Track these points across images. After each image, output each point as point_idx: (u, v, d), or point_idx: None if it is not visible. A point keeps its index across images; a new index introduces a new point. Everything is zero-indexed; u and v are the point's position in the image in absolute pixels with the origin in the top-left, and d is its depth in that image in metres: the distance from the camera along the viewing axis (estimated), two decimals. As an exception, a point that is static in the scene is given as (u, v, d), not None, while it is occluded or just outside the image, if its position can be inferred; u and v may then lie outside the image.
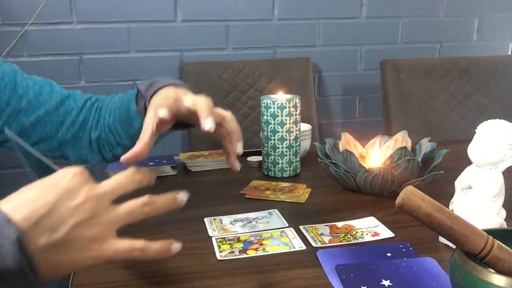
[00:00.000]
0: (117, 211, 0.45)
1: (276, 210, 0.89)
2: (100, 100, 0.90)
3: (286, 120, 1.05)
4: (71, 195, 0.42)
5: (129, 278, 0.67)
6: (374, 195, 0.97)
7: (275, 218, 0.86)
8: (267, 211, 0.89)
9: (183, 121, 0.73)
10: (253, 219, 0.86)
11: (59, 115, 0.85)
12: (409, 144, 1.04)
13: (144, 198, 0.47)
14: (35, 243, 0.40)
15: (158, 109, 0.66)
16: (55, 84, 0.88)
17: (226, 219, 0.86)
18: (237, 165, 0.73)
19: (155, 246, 0.47)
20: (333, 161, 1.00)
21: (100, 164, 0.90)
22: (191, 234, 0.80)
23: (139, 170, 0.48)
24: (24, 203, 0.41)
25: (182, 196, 0.51)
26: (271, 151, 1.08)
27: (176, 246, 0.48)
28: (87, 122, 0.87)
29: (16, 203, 0.41)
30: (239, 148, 0.73)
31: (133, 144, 0.65)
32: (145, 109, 0.73)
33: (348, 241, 0.77)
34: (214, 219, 0.86)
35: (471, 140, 0.72)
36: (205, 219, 0.86)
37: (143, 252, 0.46)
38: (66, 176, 0.43)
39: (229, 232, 0.81)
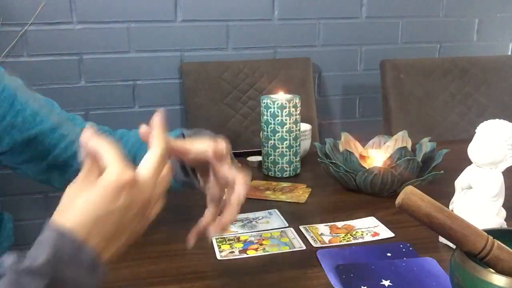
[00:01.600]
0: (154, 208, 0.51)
1: (276, 210, 0.89)
2: (103, 131, 0.88)
3: (286, 120, 1.05)
4: (130, 209, 0.47)
5: (130, 278, 0.67)
6: (374, 195, 0.97)
7: (275, 218, 0.86)
8: (267, 211, 0.89)
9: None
10: (253, 219, 0.86)
11: (53, 137, 0.84)
12: (409, 144, 1.04)
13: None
14: (105, 256, 0.46)
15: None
16: (57, 105, 0.88)
17: (226, 219, 0.86)
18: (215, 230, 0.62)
19: None
20: (333, 161, 1.00)
21: None
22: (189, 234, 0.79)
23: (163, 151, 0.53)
24: (94, 228, 0.45)
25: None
26: (271, 151, 1.08)
27: None
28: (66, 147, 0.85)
29: (88, 229, 0.44)
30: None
31: None
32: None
33: (348, 241, 0.77)
34: (214, 219, 0.86)
35: (471, 140, 0.72)
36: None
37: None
38: (119, 192, 0.46)
39: (229, 232, 0.81)
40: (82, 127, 0.86)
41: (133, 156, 0.82)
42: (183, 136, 0.78)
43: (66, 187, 0.66)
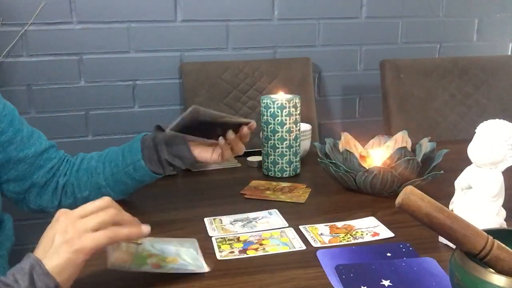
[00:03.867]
0: (85, 220, 0.60)
1: (276, 210, 0.89)
2: (72, 156, 0.96)
3: (286, 120, 1.05)
4: (58, 228, 0.59)
5: (129, 278, 0.67)
6: (374, 195, 0.97)
7: (275, 218, 0.86)
8: (267, 211, 0.89)
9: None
10: (253, 219, 0.86)
11: (41, 159, 0.90)
12: (409, 144, 1.04)
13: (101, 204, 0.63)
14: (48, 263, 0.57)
15: None
16: (42, 134, 0.94)
17: (226, 219, 0.86)
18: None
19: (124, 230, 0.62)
20: (333, 161, 1.00)
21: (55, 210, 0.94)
22: (191, 234, 0.79)
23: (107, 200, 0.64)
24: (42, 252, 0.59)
25: (145, 229, 0.63)
26: (271, 151, 1.08)
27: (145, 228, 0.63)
28: (58, 171, 0.92)
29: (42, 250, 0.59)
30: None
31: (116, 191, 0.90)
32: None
33: (348, 241, 0.77)
34: (214, 219, 0.86)
35: (471, 140, 0.72)
36: (205, 219, 0.86)
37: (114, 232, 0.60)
38: (55, 219, 0.61)
39: (229, 232, 0.81)
40: (62, 153, 0.95)
41: (103, 162, 0.90)
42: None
43: (39, 208, 0.92)
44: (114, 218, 0.61)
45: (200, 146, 0.90)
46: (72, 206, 0.91)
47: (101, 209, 0.61)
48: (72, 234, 0.58)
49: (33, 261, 0.57)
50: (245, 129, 0.90)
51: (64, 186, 0.92)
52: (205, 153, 0.89)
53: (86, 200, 0.90)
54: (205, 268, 0.69)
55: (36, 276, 0.55)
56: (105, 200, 0.63)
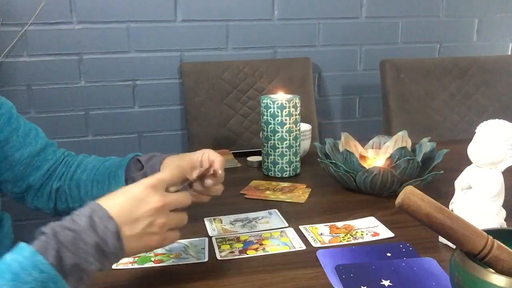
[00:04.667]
0: (173, 217, 0.62)
1: (276, 210, 0.89)
2: (71, 156, 0.94)
3: (286, 120, 1.05)
4: (144, 202, 0.59)
5: (129, 278, 0.67)
6: (374, 195, 0.97)
7: (275, 218, 0.86)
8: (267, 211, 0.89)
9: None
10: (253, 219, 0.86)
11: (38, 160, 0.88)
12: (409, 144, 1.04)
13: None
14: (124, 233, 0.57)
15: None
16: (40, 130, 0.92)
17: (226, 219, 0.86)
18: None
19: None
20: (333, 161, 1.00)
21: (51, 213, 0.93)
22: (191, 234, 0.79)
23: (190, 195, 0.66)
24: (117, 205, 0.58)
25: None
26: (271, 151, 1.08)
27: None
28: (54, 173, 0.90)
29: (112, 204, 0.58)
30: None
31: None
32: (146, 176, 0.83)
33: (348, 241, 0.77)
34: (214, 219, 0.86)
35: (471, 140, 0.72)
36: (205, 219, 0.86)
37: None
38: (141, 187, 0.60)
39: (229, 232, 0.81)
40: (61, 152, 0.93)
41: (91, 181, 0.87)
42: (139, 161, 0.85)
43: (36, 209, 0.90)
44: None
45: None
46: (66, 211, 0.90)
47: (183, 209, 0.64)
48: (160, 229, 0.60)
49: (93, 205, 0.57)
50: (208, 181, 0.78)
51: (58, 190, 0.90)
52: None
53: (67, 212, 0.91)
54: (205, 258, 0.71)
55: (97, 218, 0.55)
56: (187, 199, 0.65)
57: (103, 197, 0.60)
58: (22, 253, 0.51)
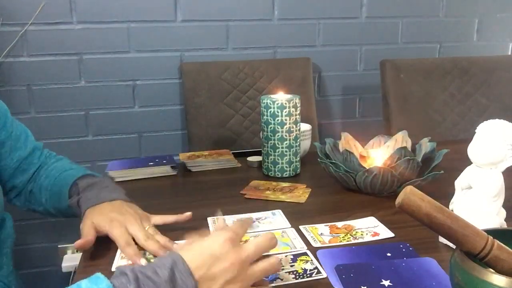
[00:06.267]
0: (254, 270, 0.58)
1: (280, 211, 0.89)
2: (48, 158, 0.95)
3: (286, 120, 1.05)
4: (222, 259, 0.56)
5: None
6: (374, 195, 0.97)
7: (278, 219, 0.86)
8: (270, 211, 0.89)
9: None
10: (256, 219, 0.86)
11: (25, 163, 0.89)
12: (409, 144, 1.04)
13: (274, 262, 0.60)
14: None
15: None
16: (30, 132, 0.92)
17: (229, 219, 0.86)
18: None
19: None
20: (333, 161, 1.00)
21: (24, 211, 0.94)
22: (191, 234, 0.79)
23: (274, 236, 0.61)
24: (196, 261, 0.55)
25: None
26: (271, 151, 1.08)
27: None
28: (37, 175, 0.91)
29: (192, 258, 0.56)
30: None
31: (56, 212, 0.89)
32: (78, 205, 0.82)
33: (348, 241, 0.77)
34: (217, 218, 0.86)
35: (471, 140, 0.72)
36: (208, 219, 0.86)
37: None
38: (220, 242, 0.57)
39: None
40: (44, 155, 0.93)
41: (49, 190, 0.88)
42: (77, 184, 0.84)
43: (13, 206, 0.87)
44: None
45: None
46: (36, 211, 0.93)
47: (267, 255, 0.60)
48: (245, 284, 0.57)
49: (175, 257, 0.55)
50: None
51: (31, 192, 0.91)
52: None
53: (40, 213, 0.93)
54: None
55: (177, 273, 0.54)
56: (269, 243, 0.61)
57: (183, 246, 0.60)
58: (99, 285, 0.51)
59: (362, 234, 0.79)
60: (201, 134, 1.69)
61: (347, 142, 1.07)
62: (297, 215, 0.88)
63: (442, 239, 0.75)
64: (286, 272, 0.67)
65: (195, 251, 0.57)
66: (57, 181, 0.88)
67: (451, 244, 0.70)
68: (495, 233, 0.51)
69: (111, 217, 0.75)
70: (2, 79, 1.65)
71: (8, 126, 0.86)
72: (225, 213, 0.89)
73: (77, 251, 1.74)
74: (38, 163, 0.91)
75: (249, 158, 1.19)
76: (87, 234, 0.74)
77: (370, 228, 0.82)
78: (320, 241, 0.77)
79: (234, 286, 0.56)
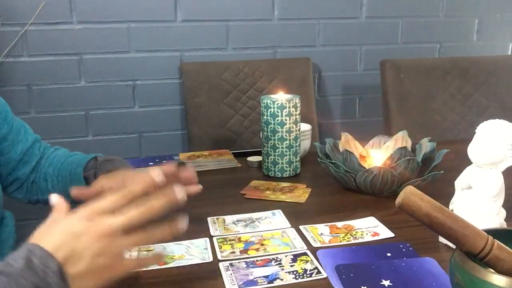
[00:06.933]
0: (125, 240, 0.55)
1: (280, 211, 0.89)
2: (46, 148, 0.95)
3: (286, 120, 1.06)
4: (83, 234, 0.53)
5: (129, 278, 0.67)
6: (374, 195, 0.97)
7: (278, 219, 0.86)
8: (270, 211, 0.89)
9: None
10: (256, 219, 0.86)
11: (27, 155, 0.90)
12: (409, 144, 1.04)
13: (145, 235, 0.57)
14: (68, 271, 0.52)
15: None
16: (27, 126, 0.93)
17: (229, 219, 0.86)
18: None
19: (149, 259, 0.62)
20: (333, 161, 1.00)
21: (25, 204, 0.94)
22: (191, 234, 0.79)
23: (152, 205, 0.57)
24: (55, 242, 0.52)
25: (182, 225, 0.60)
26: (271, 151, 1.08)
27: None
28: (38, 167, 0.91)
29: (50, 241, 0.52)
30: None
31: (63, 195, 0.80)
32: (95, 176, 0.83)
33: (348, 241, 0.77)
34: (217, 218, 0.86)
35: (471, 140, 0.72)
36: (208, 219, 0.86)
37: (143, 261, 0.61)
38: (77, 218, 0.55)
39: (231, 232, 0.81)
40: (42, 146, 0.93)
41: (56, 175, 0.88)
42: (96, 159, 0.86)
43: (14, 199, 0.87)
44: (146, 216, 0.56)
45: None
46: (39, 202, 0.93)
47: (130, 206, 0.56)
48: (111, 261, 0.54)
49: (29, 245, 0.52)
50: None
51: (32, 183, 0.92)
52: None
53: (43, 203, 0.92)
54: (209, 259, 0.71)
55: (35, 259, 0.50)
56: (138, 214, 0.56)
57: (35, 233, 0.54)
58: None
59: (362, 234, 0.79)
60: (201, 134, 1.69)
61: (347, 142, 1.07)
62: (297, 215, 0.88)
63: (442, 239, 0.75)
64: (286, 272, 0.67)
65: (53, 234, 0.53)
66: (64, 165, 0.89)
67: (451, 244, 0.70)
68: (495, 233, 0.51)
69: (118, 180, 0.76)
70: (2, 79, 1.65)
71: (10, 120, 0.87)
72: (225, 213, 0.89)
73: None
74: (39, 154, 0.92)
75: (249, 158, 1.19)
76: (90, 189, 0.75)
77: (370, 228, 0.82)
78: (320, 241, 0.77)
79: (104, 258, 0.53)
